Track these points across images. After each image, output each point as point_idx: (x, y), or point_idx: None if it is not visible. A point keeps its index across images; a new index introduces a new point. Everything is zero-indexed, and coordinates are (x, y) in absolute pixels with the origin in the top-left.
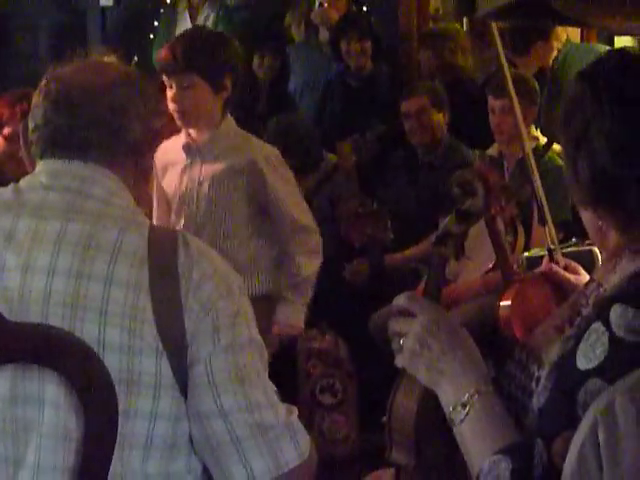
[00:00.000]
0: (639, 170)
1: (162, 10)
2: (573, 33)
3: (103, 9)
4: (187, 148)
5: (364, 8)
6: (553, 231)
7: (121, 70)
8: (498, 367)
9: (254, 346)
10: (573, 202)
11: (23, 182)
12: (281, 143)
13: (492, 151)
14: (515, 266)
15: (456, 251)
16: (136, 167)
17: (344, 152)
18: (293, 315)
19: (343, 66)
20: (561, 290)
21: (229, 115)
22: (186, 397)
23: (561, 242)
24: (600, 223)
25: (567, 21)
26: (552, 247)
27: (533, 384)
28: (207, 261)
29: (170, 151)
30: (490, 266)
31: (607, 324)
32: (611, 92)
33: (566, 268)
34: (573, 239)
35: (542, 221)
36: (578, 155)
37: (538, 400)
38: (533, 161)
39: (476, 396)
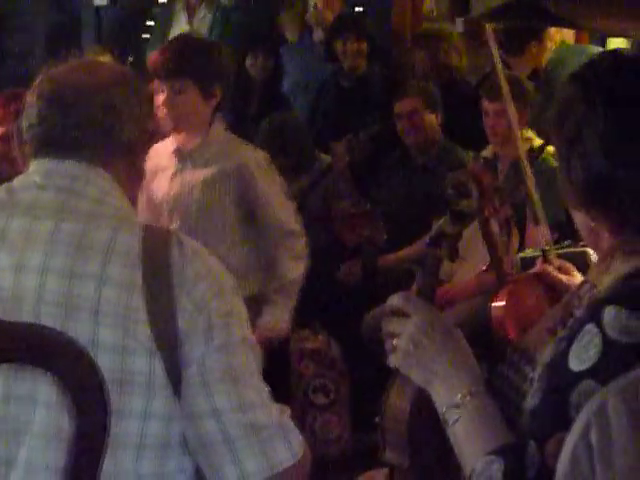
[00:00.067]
0: (632, 171)
1: (157, 10)
2: (567, 34)
3: (97, 9)
4: (177, 153)
5: (358, 9)
6: (547, 232)
7: (115, 70)
8: (491, 368)
9: (247, 346)
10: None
11: (16, 181)
12: (274, 143)
13: (487, 152)
14: (509, 267)
15: (450, 252)
16: (129, 167)
17: (338, 152)
18: (278, 318)
19: (337, 66)
20: (554, 291)
21: (220, 118)
22: (179, 397)
23: (555, 243)
24: (593, 224)
25: (560, 22)
26: (546, 248)
27: (526, 385)
28: (201, 261)
29: (160, 155)
30: (484, 267)
31: (600, 325)
32: (604, 93)
33: (560, 269)
34: (567, 240)
35: (536, 222)
36: (571, 156)
37: (531, 401)
38: (527, 162)
39: (469, 397)
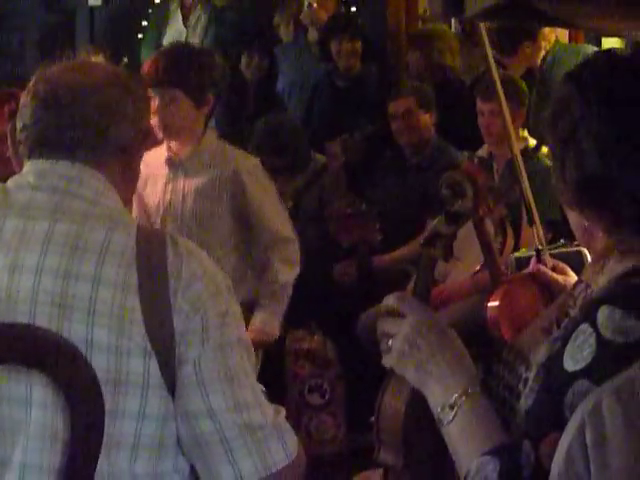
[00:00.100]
0: (627, 171)
1: (150, 10)
2: (562, 34)
3: (92, 9)
4: (170, 162)
5: (353, 9)
6: (541, 232)
7: (110, 70)
8: (486, 368)
9: (243, 346)
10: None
11: (11, 182)
12: (269, 143)
13: (482, 152)
14: (504, 267)
15: (445, 252)
16: (124, 167)
17: (332, 152)
18: (268, 322)
19: (331, 66)
20: (549, 291)
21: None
22: (174, 397)
23: (550, 243)
24: (587, 224)
25: (554, 22)
26: (540, 248)
27: (521, 385)
28: (196, 261)
29: (152, 164)
30: (478, 267)
31: (594, 325)
32: (599, 93)
33: (554, 269)
34: (562, 240)
35: (531, 222)
36: (566, 156)
37: (526, 401)
38: (522, 162)
39: (464, 397)
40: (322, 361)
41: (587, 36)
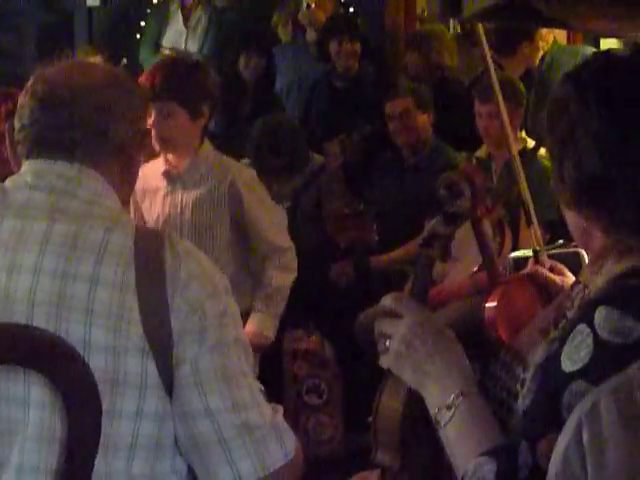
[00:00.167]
0: (626, 171)
1: (149, 10)
2: (560, 34)
3: (90, 9)
4: (167, 175)
5: (351, 9)
6: (539, 232)
7: (108, 71)
8: (484, 368)
9: (240, 346)
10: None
11: (9, 182)
12: (268, 143)
13: (481, 153)
14: (501, 268)
15: (443, 253)
16: (123, 168)
17: (331, 153)
18: (263, 325)
19: (329, 67)
20: (547, 292)
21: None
22: (172, 397)
23: (548, 243)
24: (585, 224)
25: (552, 23)
26: (538, 249)
27: (518, 386)
28: (194, 261)
29: (149, 176)
30: (476, 268)
31: (592, 326)
32: (597, 93)
33: (552, 270)
34: (560, 240)
35: (529, 223)
36: (564, 156)
37: (523, 402)
38: (519, 163)
39: (461, 398)
40: (320, 361)
41: (585, 37)
